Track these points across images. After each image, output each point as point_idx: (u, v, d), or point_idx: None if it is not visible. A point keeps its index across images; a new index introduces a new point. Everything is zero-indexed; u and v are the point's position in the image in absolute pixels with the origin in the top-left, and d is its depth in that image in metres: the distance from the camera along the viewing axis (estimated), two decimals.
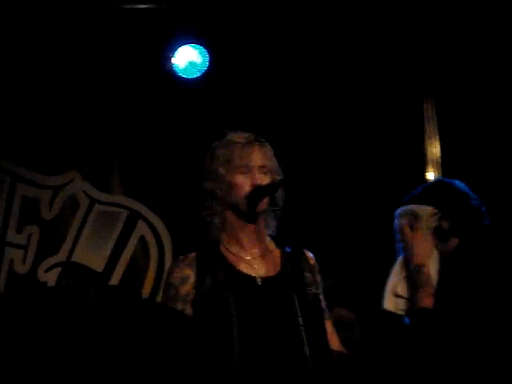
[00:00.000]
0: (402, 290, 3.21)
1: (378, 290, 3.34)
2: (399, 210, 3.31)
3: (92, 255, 5.31)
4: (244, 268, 3.00)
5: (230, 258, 3.02)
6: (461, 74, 5.26)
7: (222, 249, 3.04)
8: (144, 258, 5.33)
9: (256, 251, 3.05)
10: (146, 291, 5.17)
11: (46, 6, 4.88)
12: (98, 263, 5.31)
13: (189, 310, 2.95)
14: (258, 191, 2.98)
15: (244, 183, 2.99)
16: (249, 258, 3.03)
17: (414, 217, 3.23)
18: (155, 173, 5.34)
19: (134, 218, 5.38)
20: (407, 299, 3.20)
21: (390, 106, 5.33)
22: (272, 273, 3.02)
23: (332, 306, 3.20)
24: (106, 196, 5.41)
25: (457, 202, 3.27)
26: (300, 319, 2.80)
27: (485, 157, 5.23)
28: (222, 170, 3.02)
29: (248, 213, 3.01)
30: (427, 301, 3.11)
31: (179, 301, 2.96)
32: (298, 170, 4.97)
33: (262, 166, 3.02)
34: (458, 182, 3.37)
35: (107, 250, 5.33)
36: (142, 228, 5.37)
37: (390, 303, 3.21)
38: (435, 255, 3.22)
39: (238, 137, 3.06)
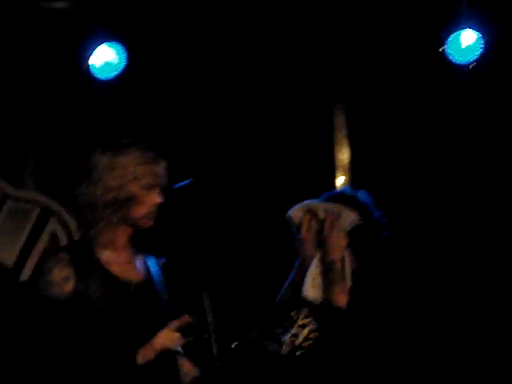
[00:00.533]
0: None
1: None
2: (322, 204, 3.37)
3: (3, 251, 5.27)
4: (117, 272, 3.07)
5: (104, 260, 3.07)
6: (370, 80, 5.36)
7: (96, 250, 3.09)
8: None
9: (128, 256, 3.13)
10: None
11: None
12: (8, 258, 5.28)
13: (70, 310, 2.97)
14: (179, 191, 3.10)
15: (147, 200, 3.08)
16: (122, 261, 3.10)
17: (338, 216, 3.31)
18: (68, 169, 5.31)
19: (46, 214, 5.36)
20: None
21: (300, 112, 5.39)
22: (142, 278, 3.11)
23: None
24: (18, 192, 5.37)
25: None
26: (210, 320, 2.93)
27: (393, 162, 5.36)
28: (127, 184, 3.06)
29: (143, 227, 3.11)
30: (340, 298, 3.20)
31: (64, 295, 2.98)
32: (206, 173, 5.02)
33: (163, 186, 3.14)
34: (360, 194, 3.47)
35: (18, 246, 5.29)
36: (53, 225, 5.35)
37: (311, 291, 3.27)
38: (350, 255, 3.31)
39: (147, 154, 3.12)
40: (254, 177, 5.35)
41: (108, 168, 3.09)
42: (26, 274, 5.28)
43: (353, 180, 5.36)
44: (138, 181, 3.07)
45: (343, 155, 5.42)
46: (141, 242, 3.22)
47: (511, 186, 5.24)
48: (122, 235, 3.11)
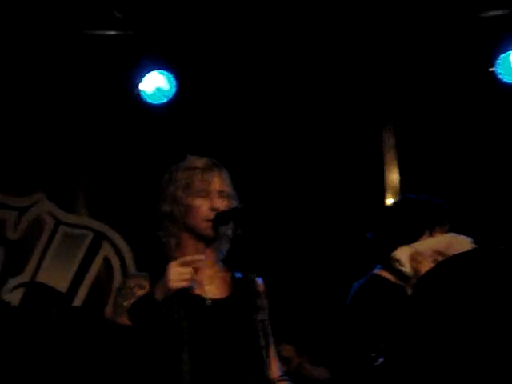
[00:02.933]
0: None
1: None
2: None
3: (56, 276, 5.32)
4: (195, 289, 3.01)
5: None
6: (420, 101, 5.35)
7: None
8: (108, 280, 5.35)
9: (208, 273, 3.07)
10: (109, 312, 5.18)
11: (16, 30, 4.90)
12: (62, 284, 5.33)
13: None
14: (221, 216, 3.02)
15: (202, 206, 3.03)
16: (200, 278, 3.03)
17: None
18: (120, 194, 5.37)
19: (98, 239, 5.40)
20: None
21: (351, 135, 5.40)
22: (222, 295, 3.06)
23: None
24: (71, 217, 5.43)
25: None
26: (262, 341, 2.84)
27: (442, 184, 5.31)
28: (181, 194, 3.05)
29: (205, 235, 3.05)
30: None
31: (133, 298, 2.95)
32: (258, 196, 5.02)
33: (221, 191, 3.06)
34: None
35: (71, 271, 5.34)
36: (106, 249, 5.40)
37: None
38: None
39: (198, 162, 3.11)
40: (305, 199, 5.35)
41: (166, 182, 3.12)
42: (79, 299, 5.33)
43: None
44: (188, 187, 3.05)
45: (393, 176, 5.42)
46: None
47: None
48: (192, 250, 3.06)
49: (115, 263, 5.37)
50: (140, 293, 2.98)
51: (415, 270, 3.40)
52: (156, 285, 2.88)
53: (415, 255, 3.42)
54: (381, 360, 3.15)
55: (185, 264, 2.86)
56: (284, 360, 3.29)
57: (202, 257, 2.92)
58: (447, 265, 3.02)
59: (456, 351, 2.96)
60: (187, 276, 2.85)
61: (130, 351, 2.91)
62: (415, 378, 2.98)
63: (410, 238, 3.49)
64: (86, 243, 5.37)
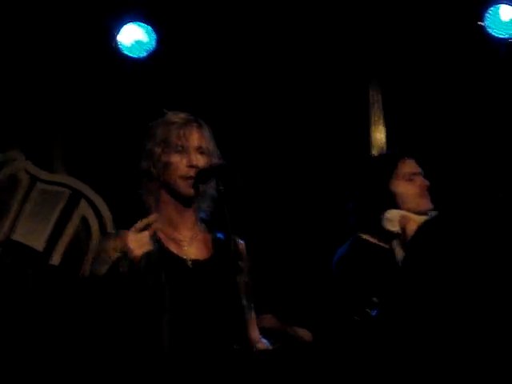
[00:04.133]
0: None
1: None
2: None
3: (32, 234, 5.22)
4: (175, 249, 3.00)
5: (162, 237, 3.01)
6: (406, 60, 5.29)
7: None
8: (85, 239, 5.27)
9: (188, 233, 3.05)
10: (86, 272, 5.12)
11: None
12: (38, 242, 5.22)
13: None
14: (203, 174, 2.99)
15: (179, 163, 3.01)
16: (180, 239, 3.03)
17: None
18: (98, 152, 5.28)
19: (76, 197, 5.30)
20: None
21: (336, 92, 5.35)
22: (203, 257, 3.03)
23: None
24: (48, 175, 5.32)
25: None
26: (244, 301, 2.83)
27: (428, 142, 5.29)
28: (157, 150, 3.03)
29: (183, 194, 3.02)
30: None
31: (109, 264, 2.88)
32: (241, 153, 4.97)
33: (199, 147, 3.04)
34: None
35: (48, 230, 5.24)
36: (84, 208, 5.30)
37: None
38: None
39: (176, 117, 3.09)
40: (289, 158, 5.31)
41: (145, 139, 3.10)
42: (56, 258, 5.23)
43: None
44: (164, 143, 3.03)
45: (379, 135, 5.36)
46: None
47: None
48: (173, 210, 3.04)
49: (93, 222, 5.29)
50: (117, 255, 2.90)
51: (403, 230, 3.48)
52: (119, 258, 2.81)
53: (404, 215, 3.52)
54: (375, 313, 3.17)
55: (139, 230, 2.80)
56: (266, 331, 3.27)
57: (153, 217, 2.86)
58: (440, 220, 3.02)
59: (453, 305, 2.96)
60: (145, 239, 2.80)
61: (109, 313, 2.87)
62: (411, 331, 2.97)
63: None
64: (63, 201, 5.28)
